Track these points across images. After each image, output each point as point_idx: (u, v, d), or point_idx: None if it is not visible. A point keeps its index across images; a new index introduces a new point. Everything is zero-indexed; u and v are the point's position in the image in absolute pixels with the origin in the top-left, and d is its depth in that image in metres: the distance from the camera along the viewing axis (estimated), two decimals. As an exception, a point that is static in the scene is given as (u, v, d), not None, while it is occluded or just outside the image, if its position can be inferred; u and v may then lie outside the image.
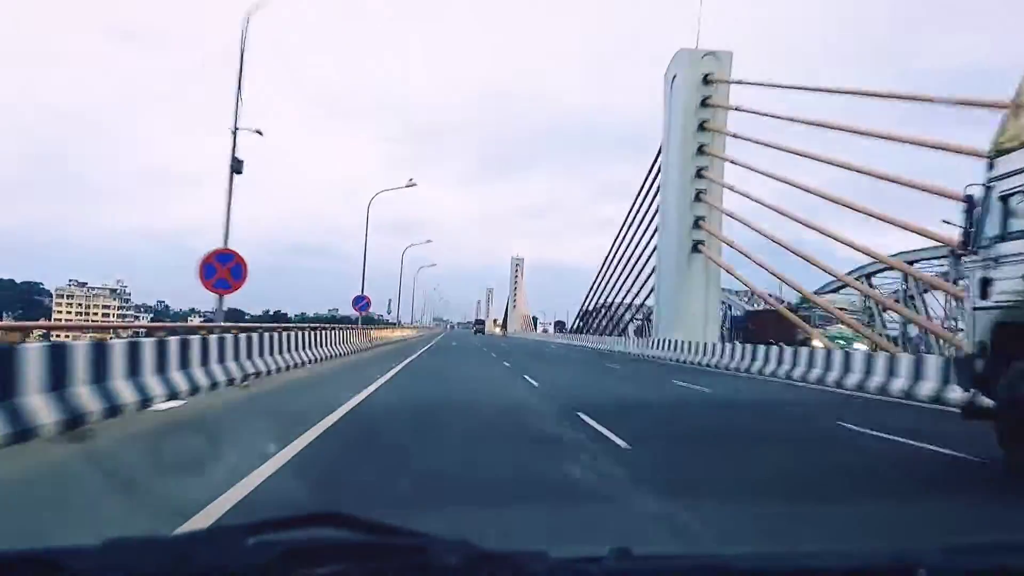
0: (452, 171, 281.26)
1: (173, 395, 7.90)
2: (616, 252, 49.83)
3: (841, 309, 30.36)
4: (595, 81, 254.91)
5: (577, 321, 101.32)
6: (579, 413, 8.55)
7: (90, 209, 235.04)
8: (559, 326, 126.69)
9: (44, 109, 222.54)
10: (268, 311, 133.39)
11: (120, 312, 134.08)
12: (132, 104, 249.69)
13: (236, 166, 13.36)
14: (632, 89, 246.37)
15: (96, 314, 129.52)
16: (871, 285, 30.49)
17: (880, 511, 4.41)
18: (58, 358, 5.92)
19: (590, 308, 67.23)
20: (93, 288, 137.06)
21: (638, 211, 42.83)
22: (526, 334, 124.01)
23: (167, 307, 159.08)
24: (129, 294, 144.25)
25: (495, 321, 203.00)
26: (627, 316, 56.53)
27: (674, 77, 36.00)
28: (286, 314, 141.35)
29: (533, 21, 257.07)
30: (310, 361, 15.27)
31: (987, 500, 5.05)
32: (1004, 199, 6.14)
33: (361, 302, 31.40)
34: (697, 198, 33.97)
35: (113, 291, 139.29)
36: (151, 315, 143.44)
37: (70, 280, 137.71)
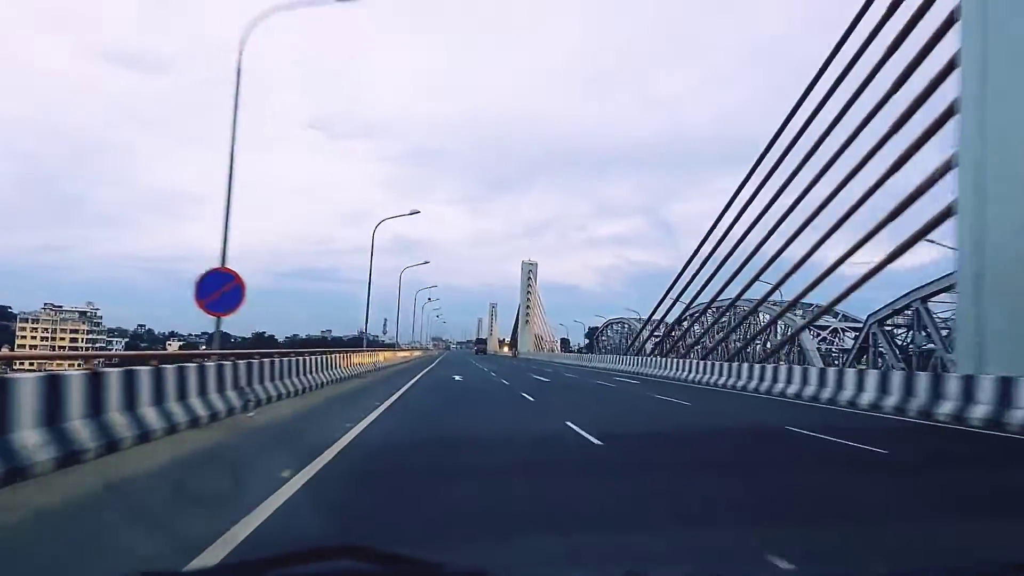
0: (449, 191, 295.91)
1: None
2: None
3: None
4: (593, 100, 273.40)
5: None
6: None
7: (78, 233, 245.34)
8: (563, 344, 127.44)
9: (39, 132, 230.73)
10: (263, 333, 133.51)
11: (90, 337, 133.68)
12: (127, 126, 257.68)
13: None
14: (629, 107, 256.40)
15: (63, 340, 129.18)
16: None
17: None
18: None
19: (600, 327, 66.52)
20: (61, 312, 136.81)
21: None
22: (554, 356, 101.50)
23: (149, 331, 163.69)
24: (100, 318, 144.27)
25: (503, 341, 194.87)
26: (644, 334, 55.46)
27: None
28: (274, 336, 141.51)
29: (529, 43, 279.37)
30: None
31: None
32: None
33: (211, 286, 11.97)
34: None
35: (83, 314, 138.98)
36: (126, 340, 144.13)
37: (45, 304, 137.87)
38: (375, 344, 65.72)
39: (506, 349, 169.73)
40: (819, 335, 51.55)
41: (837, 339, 53.91)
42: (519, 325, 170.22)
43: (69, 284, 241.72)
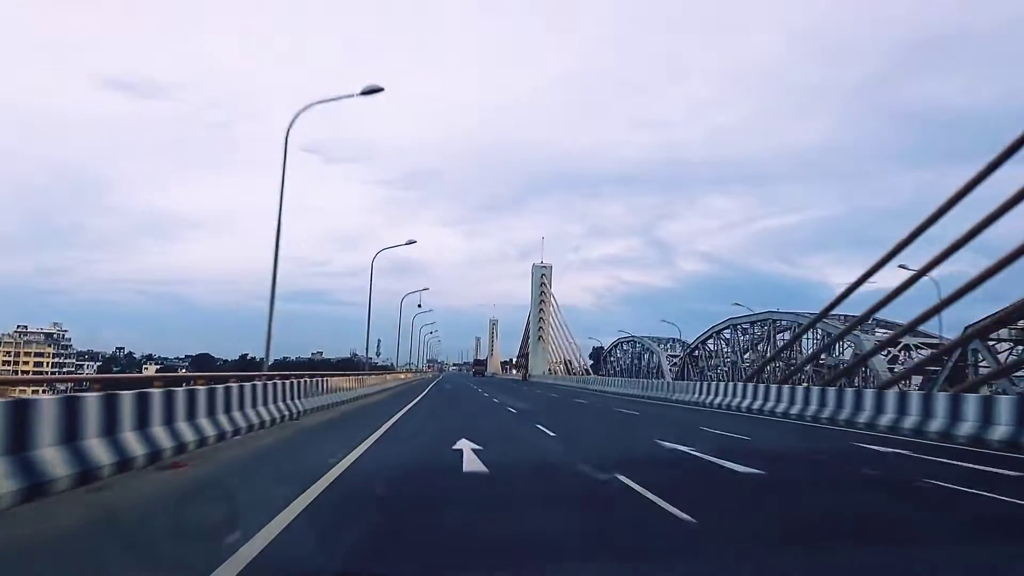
0: (444, 213, 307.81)
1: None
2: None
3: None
4: (585, 122, 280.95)
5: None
6: None
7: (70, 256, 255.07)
8: (566, 366, 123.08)
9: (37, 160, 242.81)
10: (247, 355, 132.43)
11: (57, 361, 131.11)
12: (114, 151, 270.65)
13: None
14: (622, 128, 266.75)
15: (27, 363, 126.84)
16: None
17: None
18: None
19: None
20: (26, 333, 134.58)
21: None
22: (586, 381, 79.29)
23: (129, 353, 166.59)
24: (69, 340, 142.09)
25: (510, 362, 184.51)
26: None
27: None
28: (261, 360, 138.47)
29: (522, 66, 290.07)
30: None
31: None
32: None
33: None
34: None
35: (49, 336, 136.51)
36: (98, 363, 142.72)
37: (18, 326, 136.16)
38: (375, 368, 64.23)
39: (514, 371, 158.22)
40: (887, 353, 48.34)
41: (905, 355, 50.83)
42: (530, 341, 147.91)
43: (41, 306, 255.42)
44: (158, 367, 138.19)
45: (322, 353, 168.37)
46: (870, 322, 51.73)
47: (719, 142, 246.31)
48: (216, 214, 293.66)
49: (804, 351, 58.20)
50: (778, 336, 63.76)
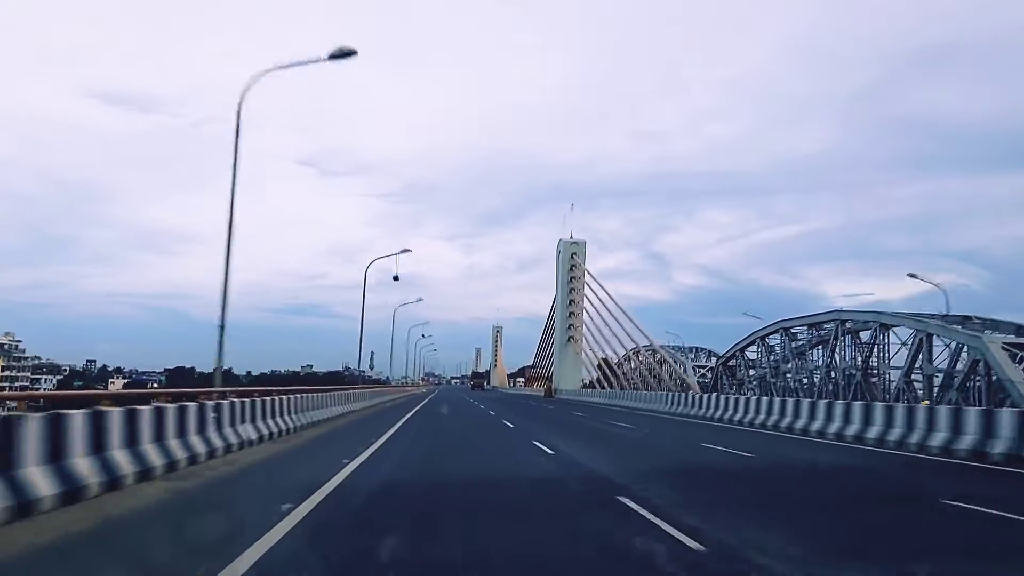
0: (441, 227, 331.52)
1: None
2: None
3: None
4: (581, 135, 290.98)
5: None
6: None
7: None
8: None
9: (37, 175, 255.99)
10: (230, 368, 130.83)
11: (7, 374, 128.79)
12: (112, 164, 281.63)
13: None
14: (618, 141, 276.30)
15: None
16: None
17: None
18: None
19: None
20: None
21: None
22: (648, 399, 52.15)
23: (103, 367, 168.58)
24: (22, 351, 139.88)
25: (531, 374, 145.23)
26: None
27: None
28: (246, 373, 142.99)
29: (518, 80, 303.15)
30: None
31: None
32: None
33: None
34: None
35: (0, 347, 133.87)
36: (59, 377, 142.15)
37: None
38: (367, 381, 62.81)
39: (523, 385, 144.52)
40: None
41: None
42: (555, 345, 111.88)
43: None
44: (126, 381, 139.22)
45: (312, 366, 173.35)
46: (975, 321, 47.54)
47: (717, 154, 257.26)
48: (212, 228, 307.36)
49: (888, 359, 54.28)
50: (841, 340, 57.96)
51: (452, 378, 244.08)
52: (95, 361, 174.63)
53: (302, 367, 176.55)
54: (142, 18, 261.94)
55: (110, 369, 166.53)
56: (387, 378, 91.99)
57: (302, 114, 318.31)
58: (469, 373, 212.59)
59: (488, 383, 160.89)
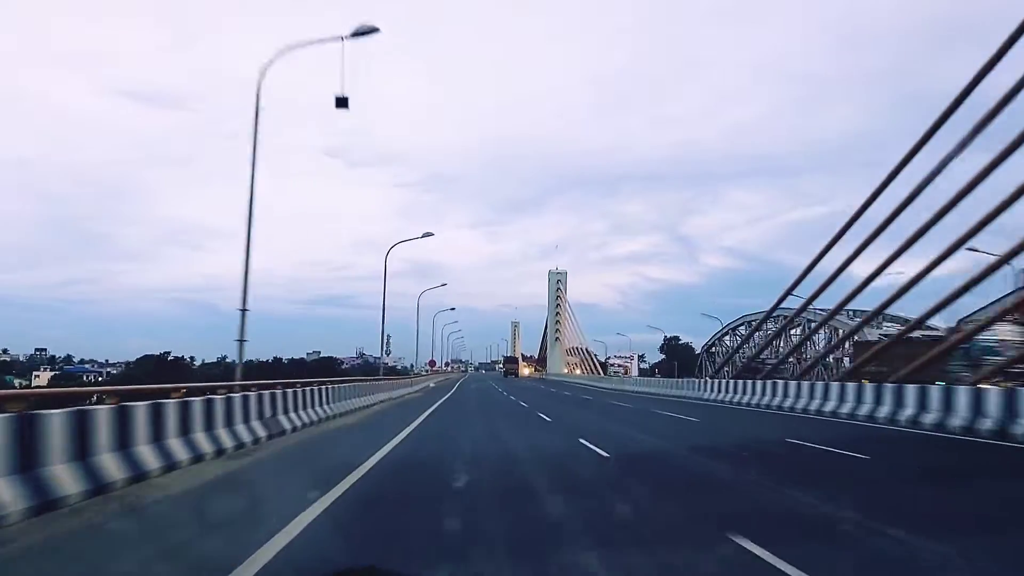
0: (465, 215, 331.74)
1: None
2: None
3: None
4: (603, 120, 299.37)
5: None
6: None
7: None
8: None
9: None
10: (224, 357, 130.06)
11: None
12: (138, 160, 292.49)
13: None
14: (640, 125, 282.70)
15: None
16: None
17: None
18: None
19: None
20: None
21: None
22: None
23: (52, 357, 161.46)
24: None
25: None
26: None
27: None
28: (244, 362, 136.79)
29: (539, 66, 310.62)
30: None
31: None
32: None
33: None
34: None
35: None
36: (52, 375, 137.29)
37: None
38: (390, 371, 59.78)
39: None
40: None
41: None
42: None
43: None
44: (54, 373, 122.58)
45: (320, 352, 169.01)
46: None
47: (741, 136, 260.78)
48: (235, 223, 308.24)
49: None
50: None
51: (478, 364, 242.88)
52: (44, 350, 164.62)
53: (307, 354, 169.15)
54: (168, 15, 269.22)
55: (58, 358, 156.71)
56: (410, 366, 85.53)
57: (328, 106, 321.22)
58: (497, 359, 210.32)
59: (518, 371, 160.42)
